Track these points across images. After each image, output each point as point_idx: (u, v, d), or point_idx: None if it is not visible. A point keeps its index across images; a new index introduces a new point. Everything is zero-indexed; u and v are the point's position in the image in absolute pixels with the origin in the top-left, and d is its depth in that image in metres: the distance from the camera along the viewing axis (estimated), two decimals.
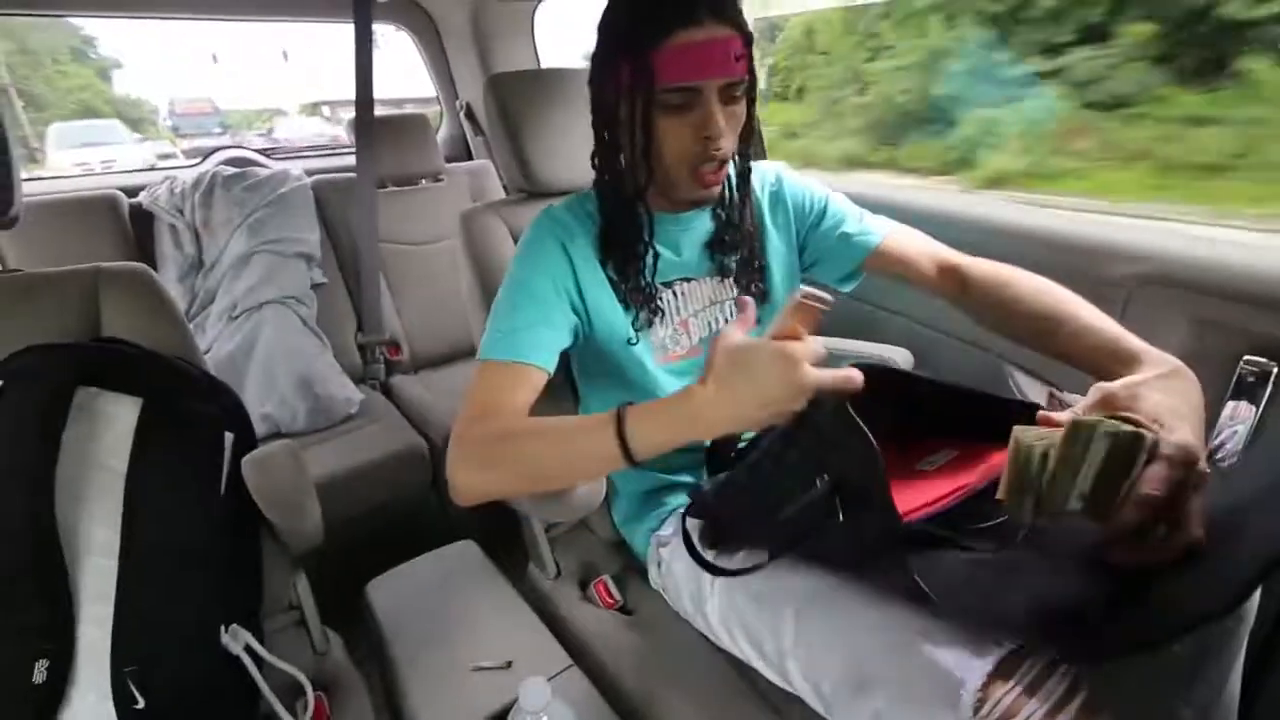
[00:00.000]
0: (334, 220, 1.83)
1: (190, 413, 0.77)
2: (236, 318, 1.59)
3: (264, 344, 1.57)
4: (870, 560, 0.57)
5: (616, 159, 0.77)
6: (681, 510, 0.83)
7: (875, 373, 0.54)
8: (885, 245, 0.87)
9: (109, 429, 0.71)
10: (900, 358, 1.07)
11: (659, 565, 0.84)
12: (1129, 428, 0.45)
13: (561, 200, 0.83)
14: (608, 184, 0.78)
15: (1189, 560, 0.44)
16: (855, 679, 0.59)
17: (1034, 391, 0.91)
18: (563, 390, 0.92)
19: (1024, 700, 0.49)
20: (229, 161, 1.81)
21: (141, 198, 1.68)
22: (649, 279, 0.80)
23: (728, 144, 0.71)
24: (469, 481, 0.66)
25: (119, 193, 1.66)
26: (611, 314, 0.79)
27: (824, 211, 0.89)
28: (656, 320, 0.81)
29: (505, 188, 2.00)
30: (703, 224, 0.84)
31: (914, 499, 0.57)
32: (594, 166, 0.79)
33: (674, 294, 0.82)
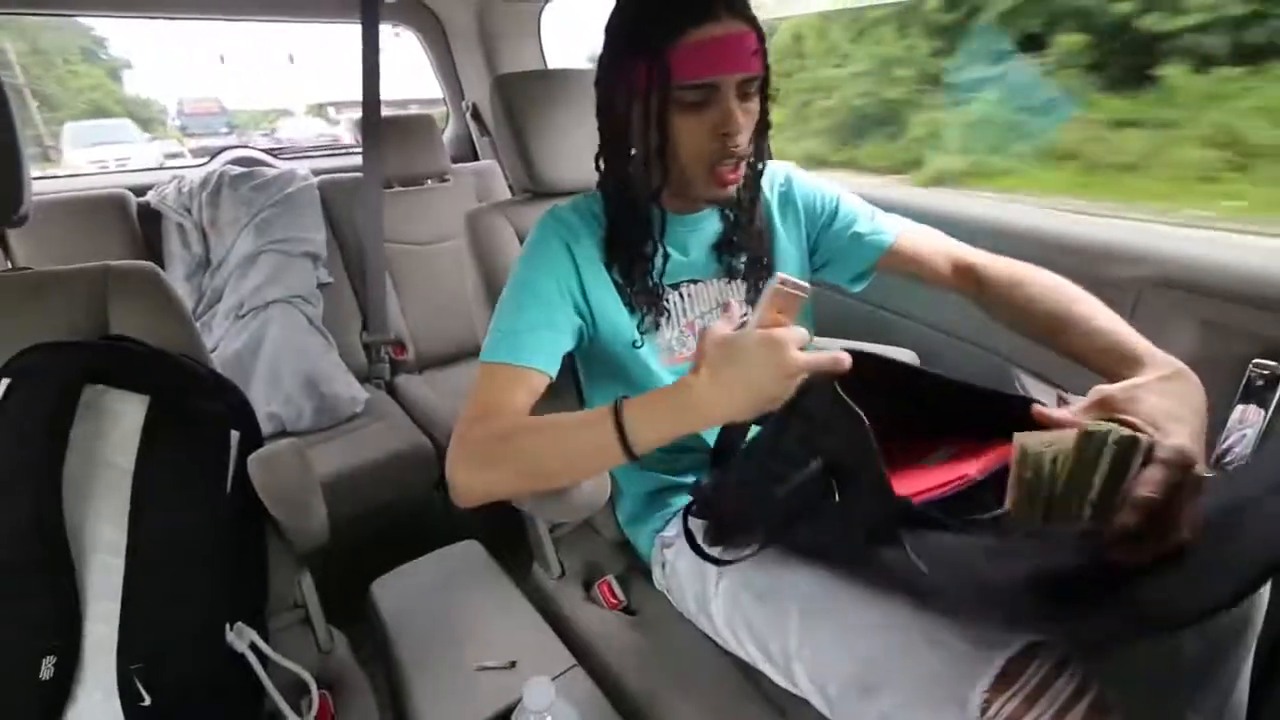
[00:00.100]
0: (340, 220, 1.83)
1: (197, 411, 0.77)
2: (243, 316, 1.60)
3: (270, 343, 1.57)
4: (867, 543, 0.57)
5: (625, 160, 0.75)
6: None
7: (863, 358, 0.56)
8: (899, 244, 0.86)
9: (116, 427, 0.71)
10: (905, 360, 1.07)
11: (663, 566, 0.84)
12: (1127, 432, 0.45)
13: (567, 201, 0.82)
14: (615, 186, 0.77)
15: (1187, 557, 0.44)
16: (862, 681, 0.58)
17: (1040, 394, 0.90)
18: (567, 391, 0.92)
19: (1031, 703, 0.49)
20: (236, 161, 1.82)
21: (149, 197, 1.68)
22: (657, 280, 0.79)
23: (745, 141, 0.71)
24: (469, 482, 0.66)
25: (127, 192, 1.67)
26: (616, 316, 0.78)
27: (835, 211, 0.88)
28: (663, 321, 0.80)
29: (511, 188, 2.01)
30: (711, 225, 0.83)
31: (912, 487, 0.58)
32: (598, 169, 0.78)
33: (681, 295, 0.82)
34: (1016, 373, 1.04)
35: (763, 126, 0.75)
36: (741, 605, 0.71)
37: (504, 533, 1.07)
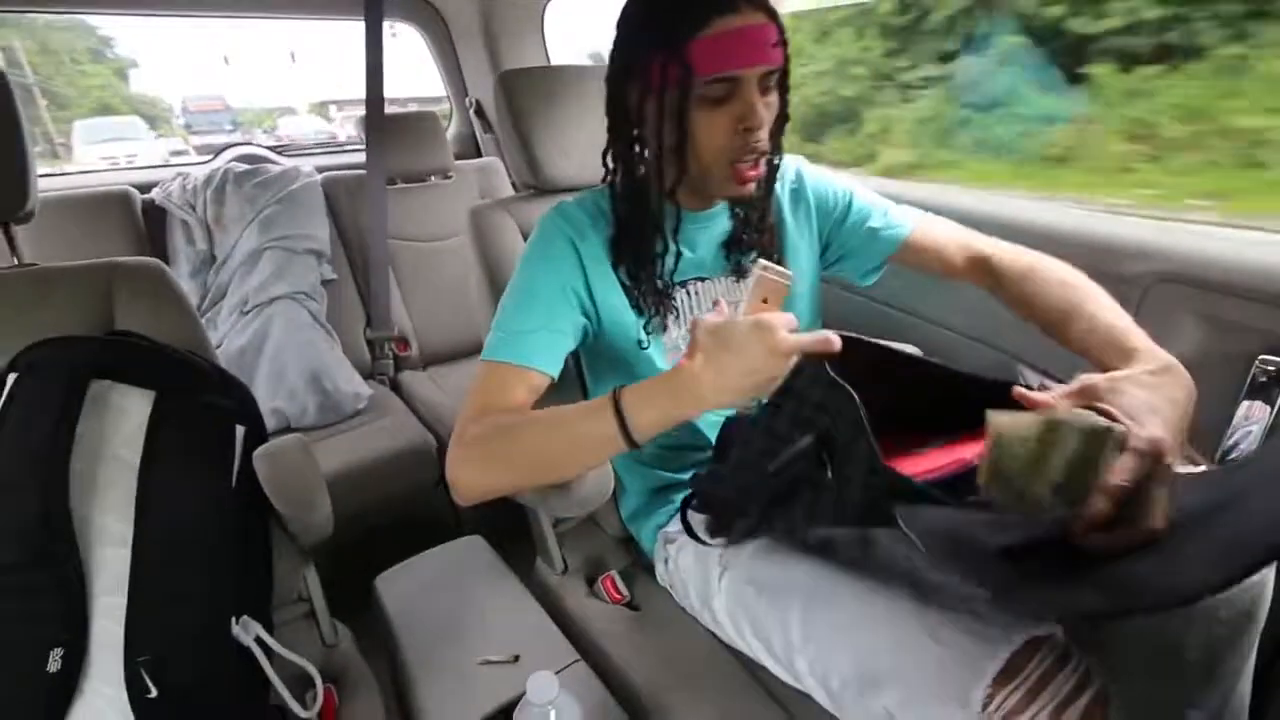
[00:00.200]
0: (344, 217, 1.84)
1: (202, 406, 0.78)
2: (248, 313, 1.60)
3: (274, 339, 1.58)
4: (864, 521, 0.58)
5: (637, 158, 0.74)
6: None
7: (855, 343, 0.58)
8: (913, 238, 0.86)
9: (123, 422, 0.72)
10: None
11: (666, 561, 0.84)
12: (1102, 422, 0.46)
13: (573, 196, 0.81)
14: (626, 183, 0.76)
15: (1177, 541, 0.45)
16: (864, 676, 0.59)
17: None
18: (571, 386, 0.92)
19: (1032, 696, 0.49)
20: (241, 158, 1.82)
21: (154, 193, 1.69)
22: (668, 280, 0.78)
23: (766, 136, 0.69)
24: (471, 479, 0.66)
25: (132, 189, 1.68)
26: (622, 316, 0.77)
27: (849, 206, 0.87)
28: (670, 321, 0.79)
29: (514, 184, 2.01)
30: (721, 222, 0.82)
31: (908, 470, 0.58)
32: (605, 165, 0.77)
33: (688, 293, 0.81)
34: (1021, 369, 1.04)
35: (781, 121, 0.73)
36: (744, 600, 0.71)
37: (507, 528, 1.08)
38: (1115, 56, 2.78)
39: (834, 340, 0.56)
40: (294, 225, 1.70)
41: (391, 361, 1.83)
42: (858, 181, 0.91)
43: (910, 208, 0.90)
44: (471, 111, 2.18)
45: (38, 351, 0.73)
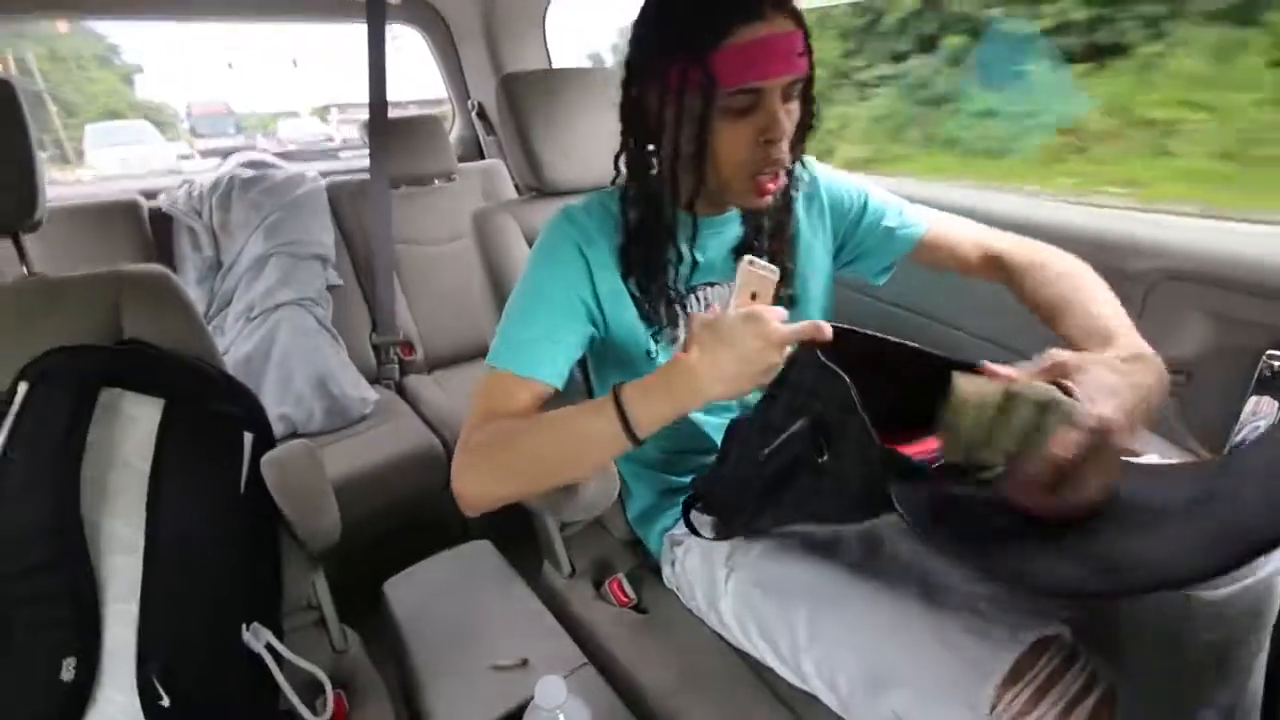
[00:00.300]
0: (348, 221, 1.84)
1: (211, 413, 0.78)
2: (254, 319, 1.61)
3: (281, 345, 1.58)
4: (863, 505, 0.58)
5: (652, 164, 0.72)
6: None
7: (847, 333, 0.60)
8: (929, 236, 0.85)
9: (132, 429, 0.72)
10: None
11: (673, 564, 0.84)
12: (1056, 396, 0.48)
13: (580, 200, 0.79)
14: (638, 189, 0.73)
15: (1164, 525, 0.46)
16: (872, 677, 0.59)
17: None
18: (578, 389, 0.92)
19: (1039, 697, 0.49)
20: (246, 164, 1.83)
21: (160, 201, 1.70)
22: (679, 288, 0.77)
23: (788, 147, 0.67)
24: (477, 490, 0.67)
25: (139, 196, 1.69)
26: (631, 324, 0.76)
27: (864, 207, 0.87)
28: (681, 328, 0.78)
29: (517, 187, 2.01)
30: (733, 228, 0.81)
31: (907, 452, 0.60)
32: (616, 168, 0.75)
33: (698, 299, 0.80)
34: None
35: (804, 128, 0.72)
36: (751, 602, 0.71)
37: (514, 532, 1.08)
38: (1051, 55, 3.04)
39: (824, 329, 0.58)
40: (299, 231, 1.70)
41: (397, 366, 1.84)
42: (871, 181, 0.90)
43: (923, 206, 0.89)
44: (474, 114, 2.18)
45: (49, 361, 0.74)
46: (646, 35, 0.68)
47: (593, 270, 0.73)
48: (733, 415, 0.74)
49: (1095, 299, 0.70)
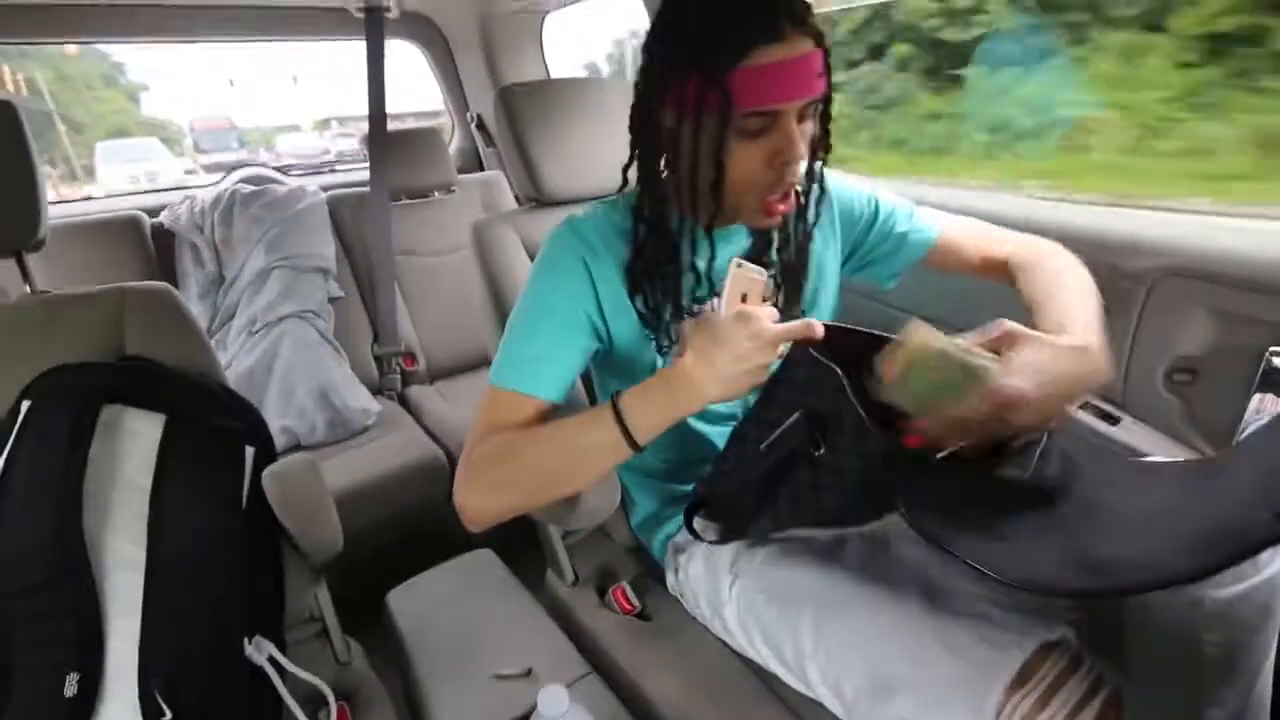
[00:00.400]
0: (349, 234, 1.85)
1: (212, 428, 0.79)
2: (256, 332, 1.62)
3: (283, 358, 1.59)
4: (863, 497, 0.59)
5: (661, 178, 0.70)
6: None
7: (842, 331, 0.61)
8: (940, 242, 0.85)
9: (134, 445, 0.73)
10: None
11: (676, 571, 0.84)
12: (977, 363, 0.54)
13: (584, 210, 0.77)
14: (648, 203, 0.71)
15: (1146, 529, 0.47)
16: (877, 683, 0.58)
17: None
18: (578, 397, 0.92)
19: (1045, 701, 0.49)
20: (247, 179, 1.85)
21: (163, 217, 1.72)
22: (686, 301, 0.75)
23: (802, 169, 0.66)
24: (478, 505, 0.67)
25: (141, 213, 1.70)
26: (636, 338, 0.75)
27: (875, 214, 0.86)
28: None
29: (517, 198, 2.02)
30: (740, 239, 0.79)
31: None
32: (624, 178, 0.74)
33: (701, 311, 0.78)
34: None
35: (820, 148, 0.71)
36: (755, 608, 0.71)
37: (517, 541, 1.08)
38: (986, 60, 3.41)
39: (816, 327, 0.58)
40: (300, 244, 1.71)
41: (399, 377, 1.84)
42: (880, 185, 0.90)
43: (932, 210, 0.89)
44: (473, 126, 2.20)
45: (51, 378, 0.75)
46: (661, 49, 0.66)
47: (596, 282, 0.72)
48: (735, 423, 0.73)
49: (1070, 295, 0.71)
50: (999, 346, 0.58)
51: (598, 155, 1.02)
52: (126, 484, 0.70)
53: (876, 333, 0.66)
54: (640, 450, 0.62)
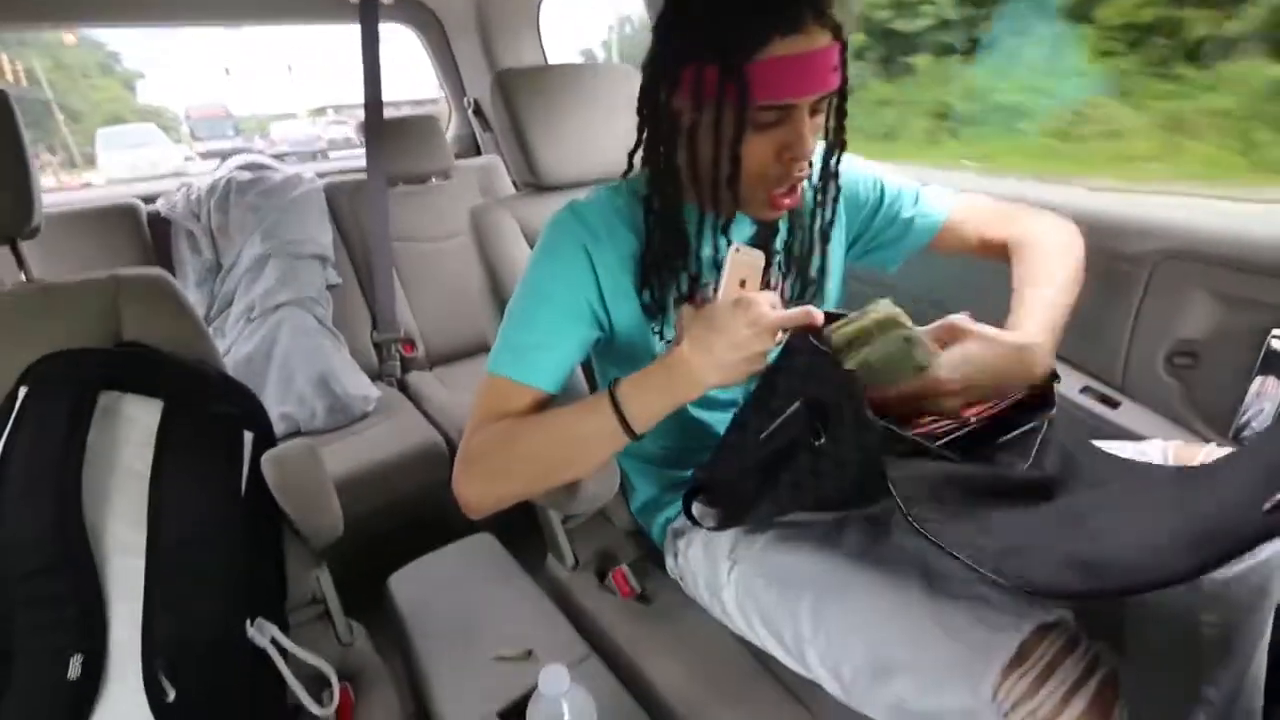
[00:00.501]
0: (346, 220, 1.84)
1: (210, 414, 0.79)
2: (254, 319, 1.62)
3: (282, 345, 1.59)
4: (861, 483, 0.59)
5: (668, 164, 0.68)
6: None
7: (837, 317, 0.61)
8: (947, 225, 0.85)
9: (132, 431, 0.73)
10: None
11: (676, 555, 0.84)
12: (923, 355, 0.58)
13: (586, 194, 0.76)
14: (655, 189, 0.69)
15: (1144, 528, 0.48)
16: (875, 665, 0.59)
17: (1065, 374, 0.89)
18: (580, 387, 0.93)
19: (1040, 683, 0.49)
20: (244, 167, 1.84)
21: (159, 204, 1.71)
22: (688, 287, 0.74)
23: (809, 163, 0.65)
24: (477, 494, 0.67)
25: (137, 200, 1.69)
26: (636, 320, 0.74)
27: (881, 197, 0.85)
28: None
29: (514, 183, 2.01)
30: (744, 226, 0.77)
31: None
32: (629, 163, 0.72)
33: (704, 297, 0.77)
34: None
35: (836, 146, 0.70)
36: (754, 592, 0.71)
37: (518, 524, 1.08)
38: (935, 49, 3.72)
39: (815, 314, 0.58)
40: (297, 231, 1.71)
41: (398, 363, 1.84)
42: (886, 168, 0.88)
43: (939, 189, 0.88)
44: (470, 111, 2.18)
45: (48, 365, 0.74)
46: (675, 34, 0.64)
47: (597, 267, 0.70)
48: (736, 409, 0.73)
49: (1041, 288, 0.72)
50: (945, 339, 0.61)
51: (595, 140, 1.01)
52: (125, 470, 0.70)
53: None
54: (638, 439, 0.62)
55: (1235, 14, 2.36)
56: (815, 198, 0.78)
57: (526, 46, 1.99)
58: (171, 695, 0.62)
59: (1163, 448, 0.72)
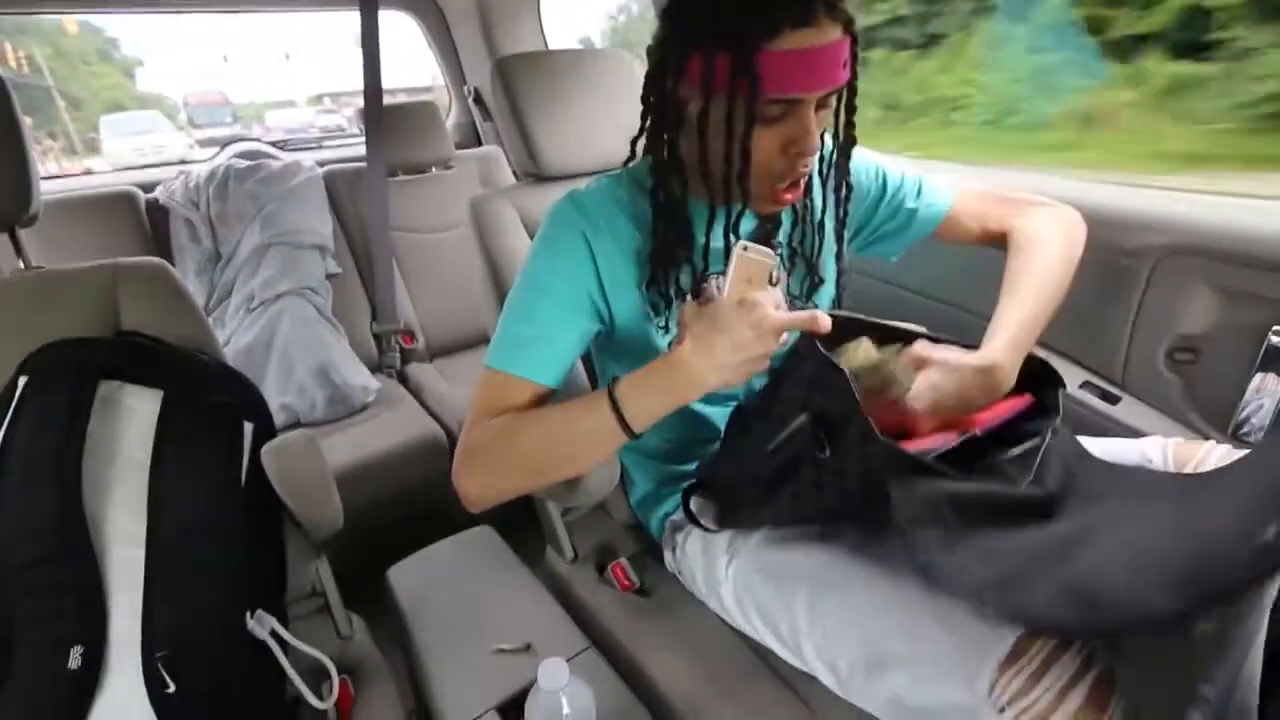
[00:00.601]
0: (345, 210, 1.84)
1: (210, 404, 0.78)
2: (254, 309, 1.61)
3: (282, 335, 1.59)
4: (864, 499, 0.59)
5: (673, 154, 0.67)
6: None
7: (847, 321, 0.61)
8: (950, 215, 0.85)
9: (132, 421, 0.73)
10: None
11: (674, 550, 0.85)
12: (904, 384, 0.64)
13: (587, 183, 0.75)
14: (659, 180, 0.68)
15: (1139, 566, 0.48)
16: (871, 659, 0.59)
17: (1063, 370, 0.89)
18: (580, 380, 0.92)
19: (1035, 679, 0.49)
20: (242, 154, 1.82)
21: (158, 193, 1.70)
22: (690, 280, 0.73)
23: (815, 158, 0.65)
24: (476, 488, 0.67)
25: (136, 189, 1.68)
26: (637, 313, 0.73)
27: (883, 188, 0.84)
28: None
29: (515, 173, 2.00)
30: (748, 219, 0.76)
31: (912, 446, 0.59)
32: (632, 152, 0.72)
33: (707, 288, 0.76)
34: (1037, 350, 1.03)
35: (846, 145, 0.70)
36: (751, 586, 0.71)
37: (517, 517, 1.08)
38: (890, 44, 3.82)
39: (822, 319, 0.57)
40: (297, 220, 1.70)
41: (398, 354, 1.84)
42: (888, 158, 0.87)
43: (942, 177, 0.87)
44: (470, 100, 2.16)
45: (47, 354, 0.74)
46: (683, 21, 0.63)
47: (597, 258, 0.70)
48: (736, 403, 0.73)
49: (1019, 299, 0.73)
50: (912, 362, 0.64)
51: (597, 129, 1.00)
52: (125, 460, 0.70)
53: (877, 320, 0.66)
54: (637, 437, 0.62)
55: (1146, 15, 2.66)
56: (821, 192, 0.77)
57: (527, 33, 1.97)
58: (171, 687, 0.62)
59: (1162, 445, 0.72)
